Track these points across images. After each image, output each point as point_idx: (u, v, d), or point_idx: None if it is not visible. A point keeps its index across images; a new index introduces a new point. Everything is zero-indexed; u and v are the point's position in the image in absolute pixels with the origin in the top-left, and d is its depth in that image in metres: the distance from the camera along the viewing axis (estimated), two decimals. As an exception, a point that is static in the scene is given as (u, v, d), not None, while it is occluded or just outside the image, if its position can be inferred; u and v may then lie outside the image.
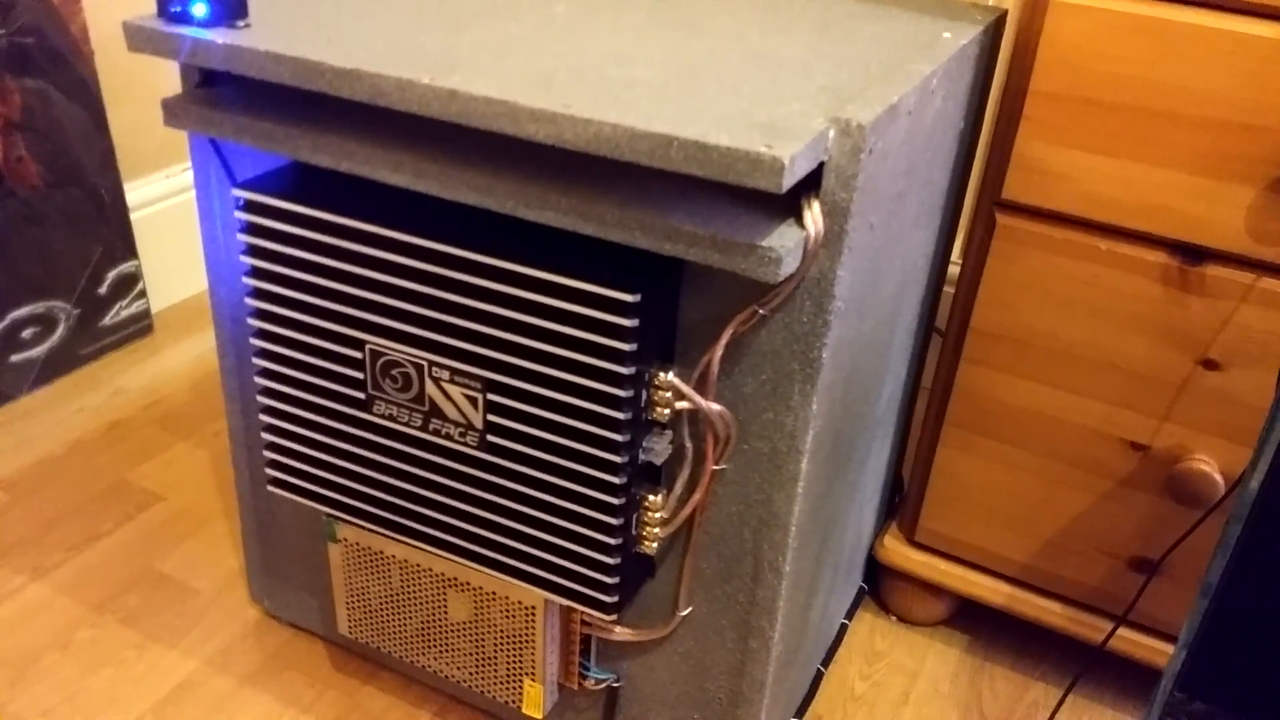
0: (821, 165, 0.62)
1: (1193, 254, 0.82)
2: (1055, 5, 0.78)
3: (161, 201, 1.50)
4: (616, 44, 0.74)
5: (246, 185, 0.75)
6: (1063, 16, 0.78)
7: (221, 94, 0.75)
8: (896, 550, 1.04)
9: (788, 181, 0.57)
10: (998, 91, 0.87)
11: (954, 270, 1.25)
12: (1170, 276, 0.83)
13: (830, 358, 0.69)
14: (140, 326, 1.47)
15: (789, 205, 0.65)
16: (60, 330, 1.37)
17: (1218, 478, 0.86)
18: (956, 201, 0.96)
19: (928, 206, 0.85)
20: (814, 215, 0.63)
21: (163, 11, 0.70)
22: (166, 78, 1.46)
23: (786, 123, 0.61)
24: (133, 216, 1.43)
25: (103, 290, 1.41)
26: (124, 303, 1.44)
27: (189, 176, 1.54)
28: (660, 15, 0.82)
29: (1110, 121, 0.80)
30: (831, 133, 0.62)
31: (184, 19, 0.70)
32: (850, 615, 1.09)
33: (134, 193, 1.45)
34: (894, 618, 1.10)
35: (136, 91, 1.43)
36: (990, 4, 0.92)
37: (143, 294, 1.46)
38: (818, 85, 0.68)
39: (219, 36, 0.69)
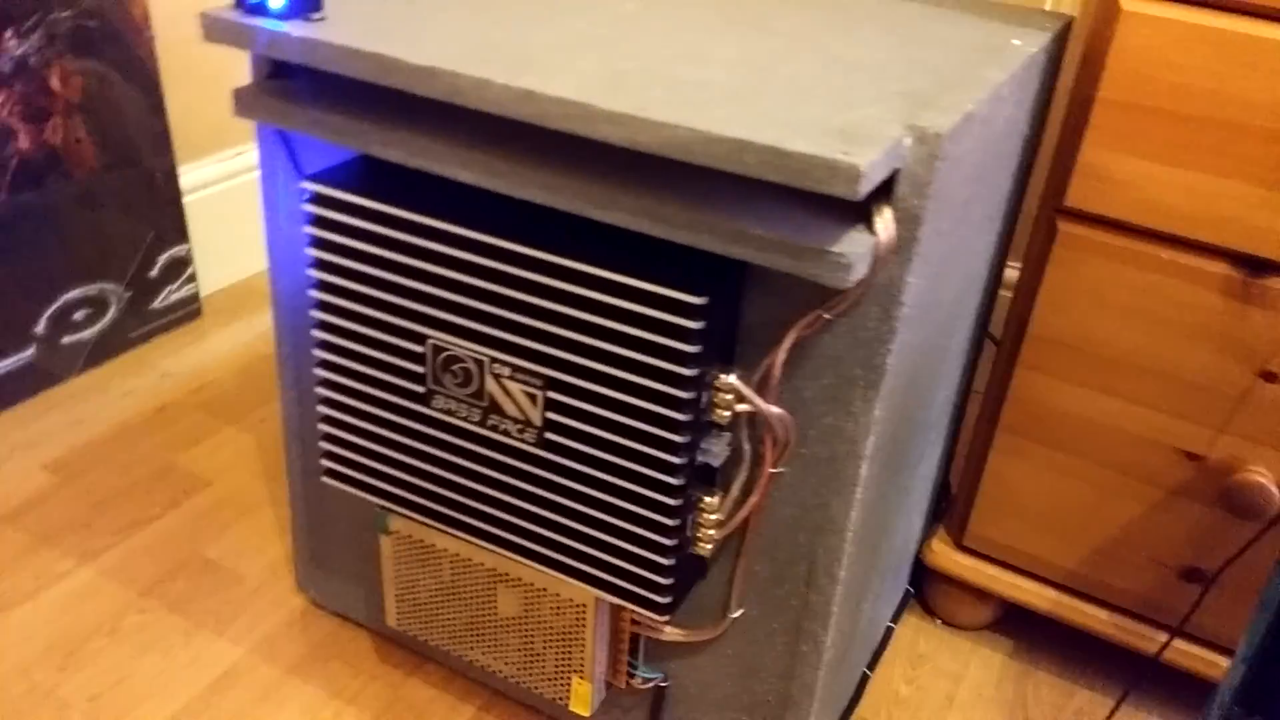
0: (895, 171, 0.62)
1: (1256, 266, 0.81)
2: (1126, 15, 0.78)
3: (213, 185, 1.51)
4: (687, 43, 0.74)
5: (315, 178, 0.75)
6: (1134, 26, 0.78)
7: (292, 86, 0.76)
8: (944, 554, 1.04)
9: (864, 189, 0.57)
10: (1062, 98, 0.87)
11: (1010, 275, 1.24)
12: (1232, 288, 0.82)
13: (894, 364, 0.68)
14: (189, 310, 1.49)
15: (856, 210, 0.64)
16: (111, 312, 1.38)
17: (1274, 490, 0.86)
18: (1016, 207, 0.95)
19: (990, 212, 0.85)
20: (885, 222, 0.63)
21: (239, 2, 0.71)
22: (223, 63, 1.47)
23: (863, 129, 0.61)
24: (185, 200, 1.44)
25: (154, 273, 1.42)
26: (174, 286, 1.45)
27: (241, 161, 1.55)
28: (728, 13, 0.82)
29: (1177, 131, 0.79)
30: (908, 140, 0.61)
31: (260, 10, 0.70)
32: (896, 618, 1.09)
33: (186, 176, 1.46)
34: (939, 621, 1.10)
35: (193, 75, 1.44)
36: (1050, 9, 0.91)
37: (192, 278, 1.47)
38: (892, 90, 0.67)
39: (295, 30, 0.69)
